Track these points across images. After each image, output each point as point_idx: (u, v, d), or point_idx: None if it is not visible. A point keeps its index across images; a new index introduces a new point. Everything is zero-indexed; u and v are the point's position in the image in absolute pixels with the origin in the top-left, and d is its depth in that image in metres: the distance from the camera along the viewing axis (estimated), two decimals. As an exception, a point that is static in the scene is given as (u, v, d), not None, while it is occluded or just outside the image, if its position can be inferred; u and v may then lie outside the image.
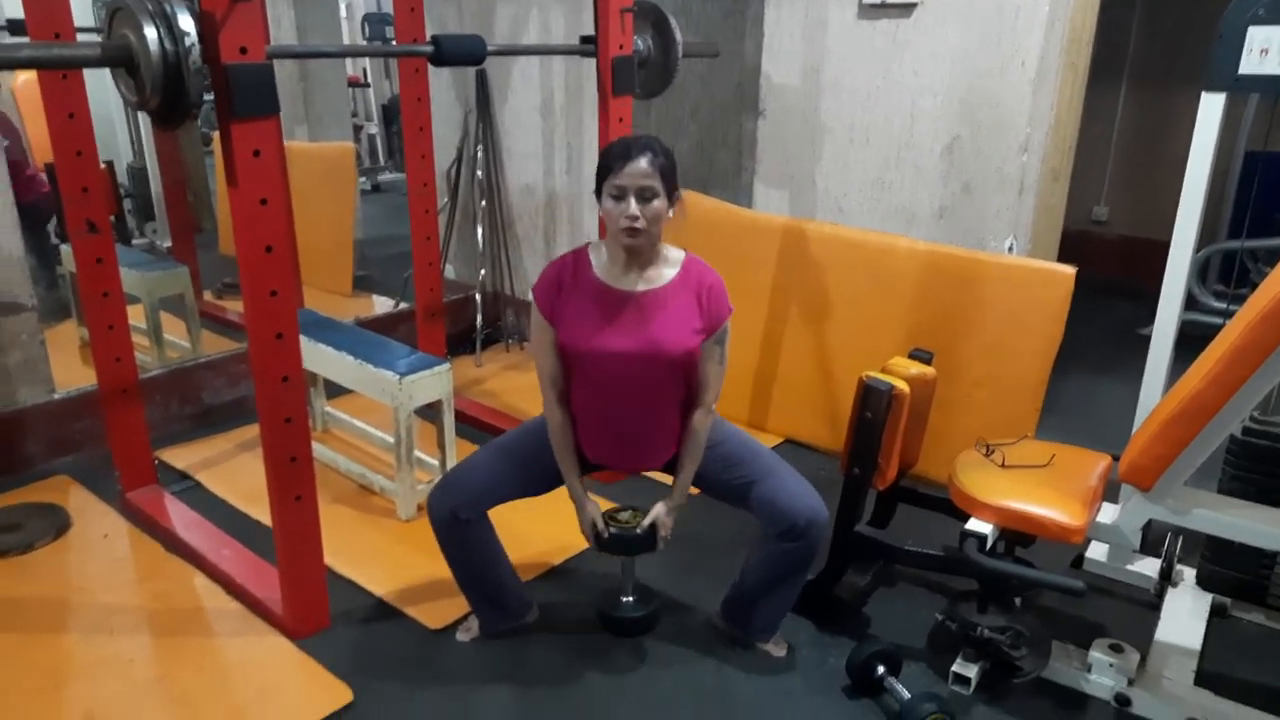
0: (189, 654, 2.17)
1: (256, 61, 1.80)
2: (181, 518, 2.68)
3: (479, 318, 4.13)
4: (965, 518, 2.04)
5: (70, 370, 3.26)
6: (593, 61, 2.67)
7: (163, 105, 1.76)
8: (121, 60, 1.73)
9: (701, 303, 1.97)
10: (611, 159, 1.87)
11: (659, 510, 2.11)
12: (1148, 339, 2.43)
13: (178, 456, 3.12)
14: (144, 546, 2.60)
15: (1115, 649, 2.05)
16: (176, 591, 2.40)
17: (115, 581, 2.44)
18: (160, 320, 3.67)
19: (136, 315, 3.75)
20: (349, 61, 7.45)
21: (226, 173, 1.87)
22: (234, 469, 3.03)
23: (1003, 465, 2.11)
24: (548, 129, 3.91)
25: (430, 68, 3.23)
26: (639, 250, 1.93)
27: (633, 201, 1.85)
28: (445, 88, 4.18)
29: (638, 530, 2.11)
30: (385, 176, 7.95)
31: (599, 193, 1.91)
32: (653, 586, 2.37)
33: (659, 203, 1.87)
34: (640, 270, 1.97)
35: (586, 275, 1.98)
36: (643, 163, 1.84)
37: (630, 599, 2.29)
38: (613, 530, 2.11)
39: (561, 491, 2.12)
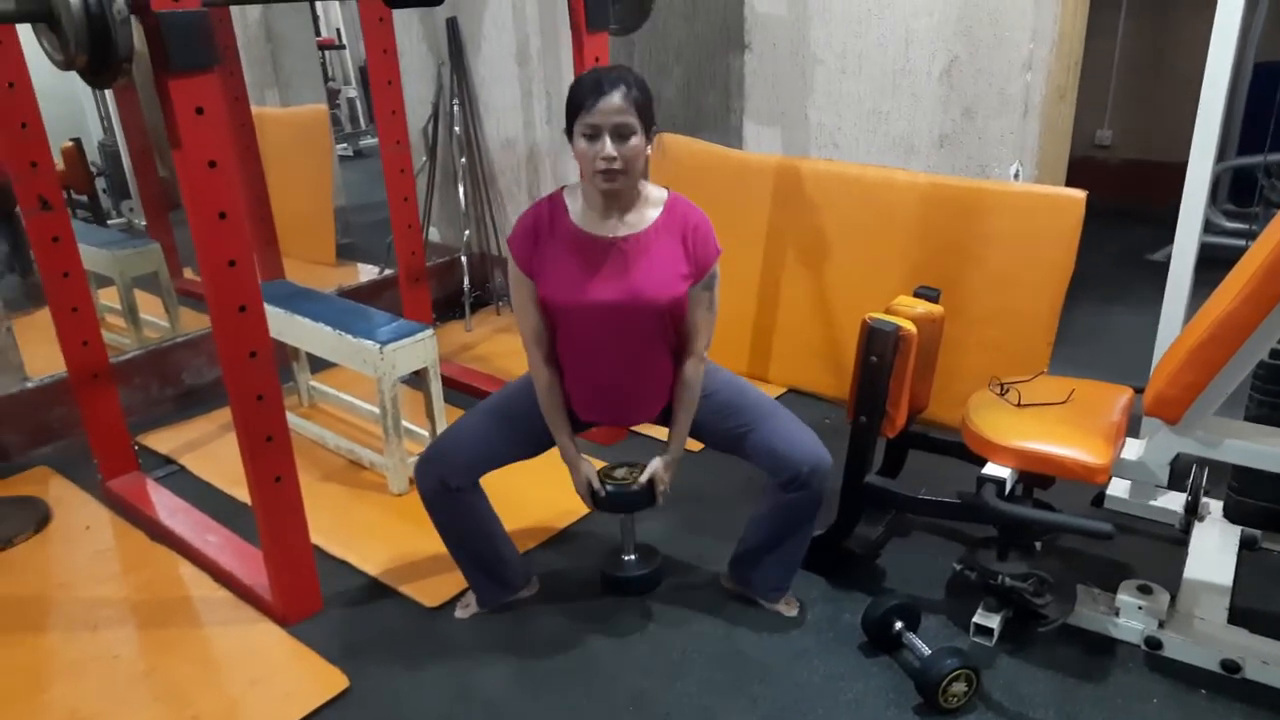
0: (177, 646, 2.08)
1: (191, 9, 1.65)
2: (165, 504, 2.58)
3: (466, 280, 3.99)
4: (980, 462, 1.94)
5: (45, 358, 3.13)
6: (564, -1, 2.50)
7: (91, 62, 1.61)
8: (40, 14, 1.58)
9: (687, 246, 1.83)
10: (582, 95, 1.71)
11: (656, 465, 2.01)
12: (1158, 264, 2.32)
13: (160, 440, 3.01)
14: (127, 536, 2.51)
15: (1143, 590, 1.96)
16: (162, 581, 2.31)
17: (98, 574, 2.35)
18: (135, 300, 3.55)
19: (112, 297, 3.65)
20: (322, 23, 7.21)
21: (169, 134, 1.73)
22: (218, 450, 2.92)
23: (1019, 405, 1.99)
24: (525, 77, 3.73)
25: (396, 19, 3.07)
26: (618, 193, 1.79)
27: (608, 141, 1.70)
28: (416, 40, 3.99)
29: (634, 487, 2.01)
30: (367, 141, 7.72)
31: (570, 132, 1.76)
32: (655, 545, 2.28)
33: (636, 140, 1.72)
34: (620, 214, 1.83)
35: (563, 223, 1.84)
36: (616, 98, 1.69)
37: (632, 557, 2.20)
38: (609, 488, 2.02)
39: (557, 454, 2.01)
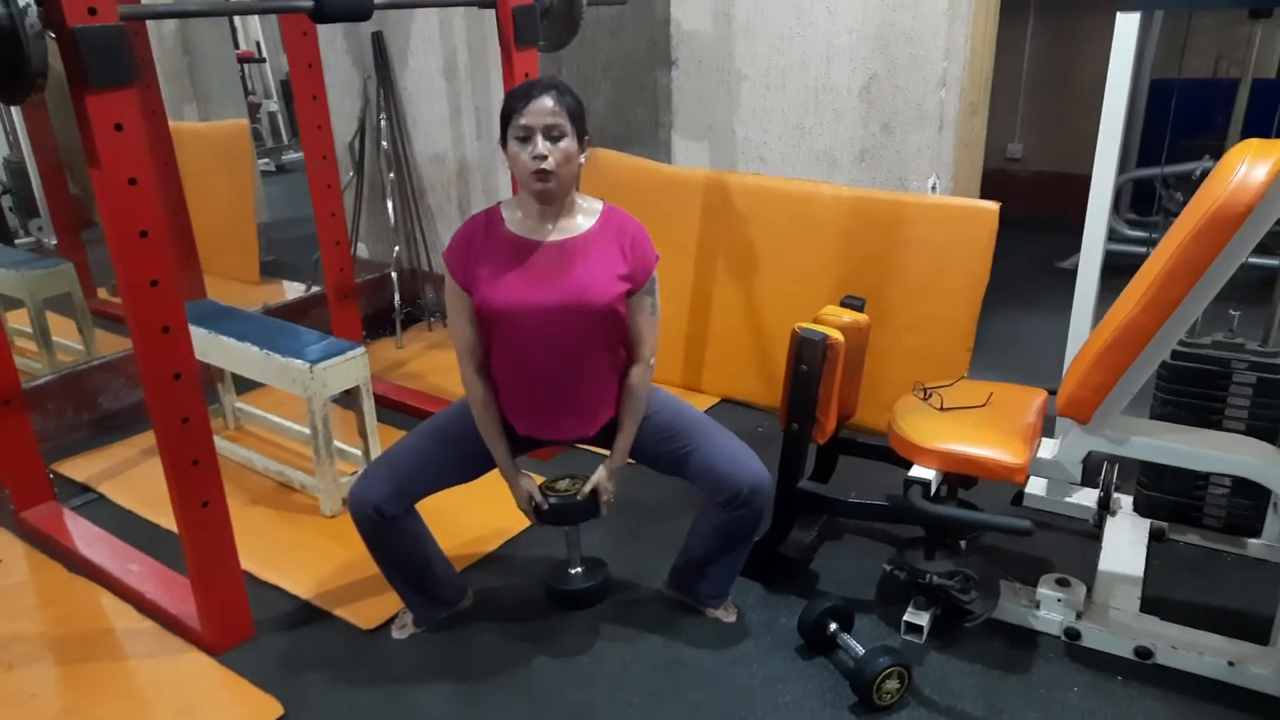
0: (99, 681, 2.00)
1: (109, 23, 1.61)
2: (84, 534, 2.48)
3: (397, 297, 3.95)
4: (907, 465, 2.00)
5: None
6: (494, 14, 2.51)
7: (1, 78, 1.56)
8: (-56, 29, 1.52)
9: (625, 253, 1.86)
10: (514, 100, 1.76)
11: (600, 475, 2.01)
12: (1068, 271, 2.42)
13: (77, 468, 2.90)
14: (43, 569, 2.40)
15: (1062, 583, 2.04)
16: (82, 615, 2.22)
17: (12, 609, 2.25)
18: (47, 322, 3.40)
19: (22, 319, 3.50)
20: (240, 35, 7.05)
21: (86, 151, 1.68)
22: (138, 476, 2.83)
23: (941, 408, 2.07)
24: (453, 92, 3.72)
25: (320, 32, 3.03)
26: (551, 196, 1.80)
27: (539, 140, 1.73)
28: (341, 54, 3.94)
29: (578, 498, 2.01)
30: (290, 155, 7.55)
31: (504, 140, 1.79)
32: (600, 556, 2.28)
33: (568, 143, 1.76)
34: (556, 220, 1.85)
35: (499, 231, 1.86)
36: (547, 100, 1.74)
37: (578, 570, 2.19)
38: (552, 501, 2.01)
39: (494, 473, 2.00)
